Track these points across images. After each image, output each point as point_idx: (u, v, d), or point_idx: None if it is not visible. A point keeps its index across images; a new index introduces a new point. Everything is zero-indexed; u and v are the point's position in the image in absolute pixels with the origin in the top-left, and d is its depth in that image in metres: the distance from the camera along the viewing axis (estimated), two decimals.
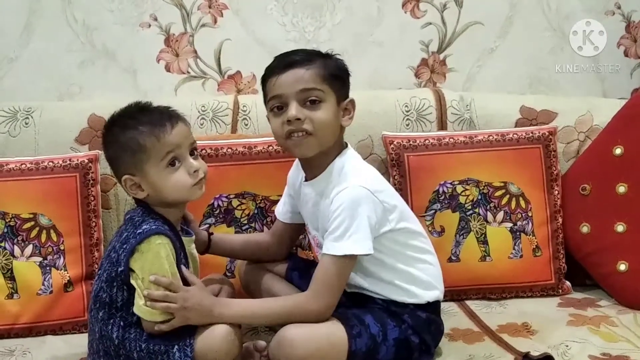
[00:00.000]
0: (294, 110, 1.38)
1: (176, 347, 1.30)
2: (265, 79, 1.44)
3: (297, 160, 1.54)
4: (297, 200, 1.55)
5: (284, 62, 1.42)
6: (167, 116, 1.35)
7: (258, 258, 1.64)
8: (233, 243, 1.64)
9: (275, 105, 1.42)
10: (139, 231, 1.31)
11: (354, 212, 1.35)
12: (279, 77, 1.40)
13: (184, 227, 1.44)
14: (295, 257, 1.69)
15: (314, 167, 1.46)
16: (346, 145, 1.48)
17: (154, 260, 1.29)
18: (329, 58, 1.45)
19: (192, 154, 1.36)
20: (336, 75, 1.43)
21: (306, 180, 1.49)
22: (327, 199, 1.40)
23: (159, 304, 1.30)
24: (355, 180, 1.39)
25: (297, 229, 1.63)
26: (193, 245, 1.44)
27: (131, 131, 1.32)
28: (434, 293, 1.46)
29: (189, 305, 1.31)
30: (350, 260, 1.37)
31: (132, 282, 1.30)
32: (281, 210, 1.62)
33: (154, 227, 1.31)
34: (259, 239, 1.66)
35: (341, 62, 1.46)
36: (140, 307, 1.30)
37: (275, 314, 1.38)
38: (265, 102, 1.46)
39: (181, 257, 1.35)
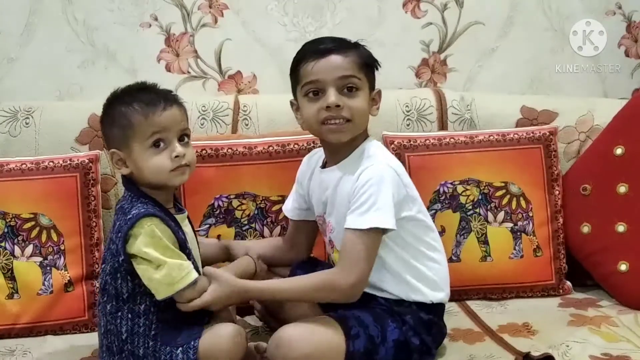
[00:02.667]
0: (333, 97, 1.39)
1: (180, 349, 1.31)
2: (298, 64, 1.44)
3: (306, 157, 1.57)
4: (308, 194, 1.55)
5: (321, 48, 1.42)
6: (162, 98, 1.35)
7: (279, 260, 1.62)
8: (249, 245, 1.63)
9: (311, 90, 1.42)
10: (128, 217, 1.32)
11: (380, 188, 1.36)
12: (317, 63, 1.40)
13: (177, 203, 1.44)
14: None
15: (341, 152, 1.46)
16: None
17: (149, 240, 1.29)
18: (361, 47, 1.45)
19: (182, 139, 1.36)
20: (369, 64, 1.44)
21: (325, 166, 1.50)
22: (352, 177, 1.40)
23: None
24: (383, 159, 1.41)
25: (309, 228, 1.61)
26: (186, 222, 1.42)
27: (125, 107, 1.34)
28: (440, 295, 1.46)
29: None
30: (376, 235, 1.37)
31: (136, 267, 1.30)
32: (289, 208, 1.62)
33: (142, 210, 1.32)
34: (275, 243, 1.66)
35: (371, 53, 1.47)
36: (151, 283, 1.29)
37: (302, 287, 1.38)
38: (297, 87, 1.45)
39: (180, 235, 1.35)
